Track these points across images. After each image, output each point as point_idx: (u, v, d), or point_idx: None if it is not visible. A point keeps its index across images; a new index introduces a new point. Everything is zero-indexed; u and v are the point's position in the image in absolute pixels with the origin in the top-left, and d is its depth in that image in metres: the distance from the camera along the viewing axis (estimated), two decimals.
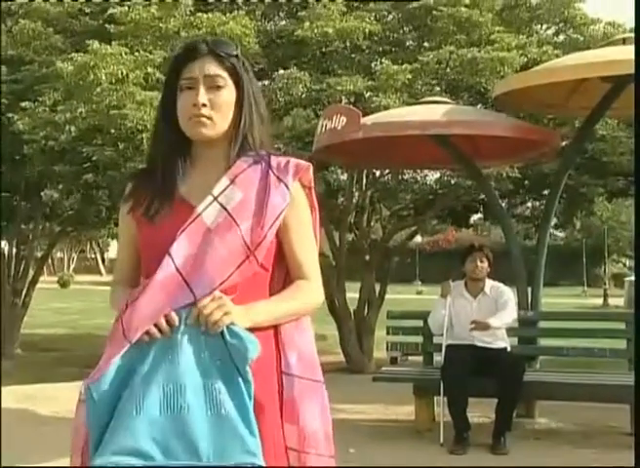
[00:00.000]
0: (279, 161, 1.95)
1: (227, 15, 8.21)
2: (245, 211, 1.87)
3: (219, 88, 1.91)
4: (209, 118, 1.90)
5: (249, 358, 1.77)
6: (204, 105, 1.89)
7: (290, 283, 1.98)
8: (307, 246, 1.99)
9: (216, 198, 1.87)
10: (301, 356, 1.94)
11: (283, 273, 1.99)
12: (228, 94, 1.92)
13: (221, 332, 1.77)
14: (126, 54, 7.64)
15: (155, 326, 1.76)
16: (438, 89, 8.33)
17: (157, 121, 2.06)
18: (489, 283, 5.90)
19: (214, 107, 1.90)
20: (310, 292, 1.98)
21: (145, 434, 1.69)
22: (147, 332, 1.76)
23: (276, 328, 1.92)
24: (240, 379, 1.76)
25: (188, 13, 8.22)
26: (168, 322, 1.77)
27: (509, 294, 5.83)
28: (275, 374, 1.90)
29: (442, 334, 5.78)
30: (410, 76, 7.95)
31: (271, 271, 1.95)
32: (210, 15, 8.17)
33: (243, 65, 1.96)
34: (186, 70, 1.91)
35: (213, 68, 1.91)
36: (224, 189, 1.89)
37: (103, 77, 7.49)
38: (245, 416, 1.74)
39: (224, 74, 1.92)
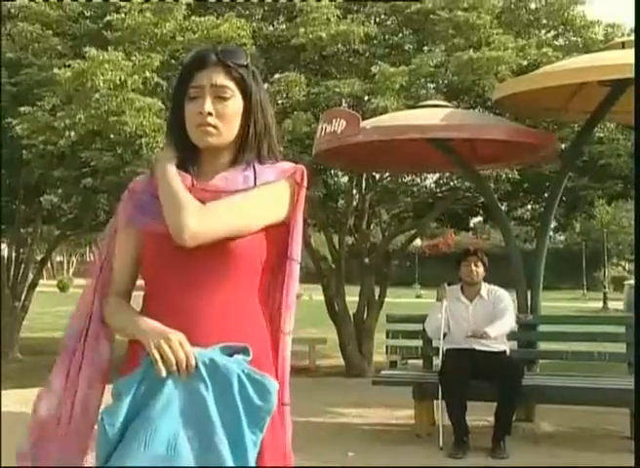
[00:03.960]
0: (270, 166, 1.96)
1: (222, 18, 8.22)
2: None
3: (225, 99, 1.90)
4: (215, 127, 1.90)
5: (271, 410, 1.76)
6: (210, 114, 1.88)
7: None
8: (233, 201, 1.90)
9: None
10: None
11: (274, 283, 1.99)
12: (235, 104, 1.92)
13: (237, 381, 1.73)
14: (123, 59, 7.65)
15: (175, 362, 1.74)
16: (436, 91, 8.33)
17: (167, 129, 2.07)
18: (485, 287, 5.90)
19: (220, 117, 1.90)
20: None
21: None
22: (163, 361, 1.73)
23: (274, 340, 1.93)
24: (246, 435, 1.73)
25: (183, 17, 8.23)
26: (187, 362, 1.74)
27: (508, 300, 5.81)
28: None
29: (439, 338, 5.78)
30: (407, 78, 7.95)
31: (262, 279, 1.94)
32: (204, 18, 8.18)
33: (252, 75, 1.95)
34: (194, 79, 1.91)
35: (220, 79, 1.90)
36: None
37: (101, 84, 7.50)
38: None
39: (232, 84, 1.91)
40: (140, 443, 1.70)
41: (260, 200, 1.90)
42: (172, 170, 1.89)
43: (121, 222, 2.00)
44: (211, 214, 1.83)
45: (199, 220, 1.80)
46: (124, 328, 1.92)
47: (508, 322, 5.68)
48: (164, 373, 1.73)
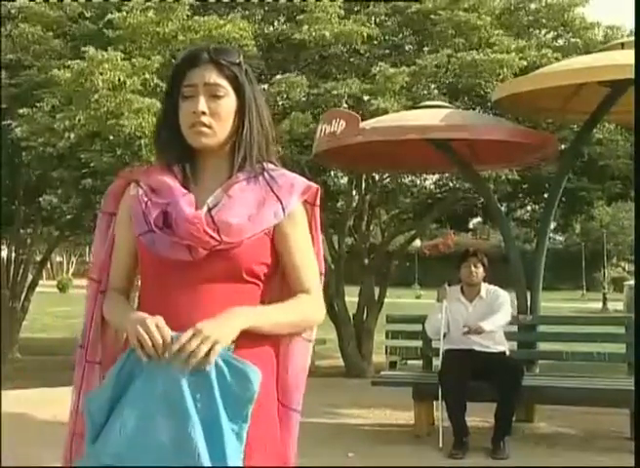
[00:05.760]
0: (284, 181, 1.94)
1: (224, 18, 8.22)
2: (234, 211, 1.87)
3: (219, 97, 1.89)
4: (209, 127, 1.88)
5: (252, 397, 1.74)
6: (203, 113, 1.87)
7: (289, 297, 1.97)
8: (308, 261, 1.97)
9: (210, 209, 1.87)
10: (284, 382, 1.96)
11: (276, 291, 1.99)
12: (229, 102, 1.91)
13: (214, 367, 1.73)
14: (122, 59, 7.65)
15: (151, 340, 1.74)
16: (437, 92, 8.34)
17: (159, 129, 2.02)
18: (485, 287, 5.90)
19: (213, 116, 1.89)
20: (311, 305, 1.96)
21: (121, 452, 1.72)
22: (142, 346, 1.74)
23: (275, 346, 1.94)
24: (231, 427, 1.72)
25: (185, 17, 8.23)
26: (164, 343, 1.74)
27: (505, 297, 5.81)
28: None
29: (439, 339, 5.78)
30: (408, 79, 7.96)
31: (263, 287, 1.95)
32: (207, 18, 8.18)
33: (246, 73, 1.94)
34: (187, 78, 1.90)
35: (213, 77, 1.89)
36: (219, 200, 1.89)
37: (100, 84, 7.50)
38: None
39: (225, 83, 1.90)
40: (117, 427, 1.73)
41: (311, 252, 2.00)
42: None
43: (120, 222, 1.99)
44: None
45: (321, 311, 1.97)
46: (118, 324, 1.93)
47: (502, 316, 5.67)
48: (145, 359, 1.74)
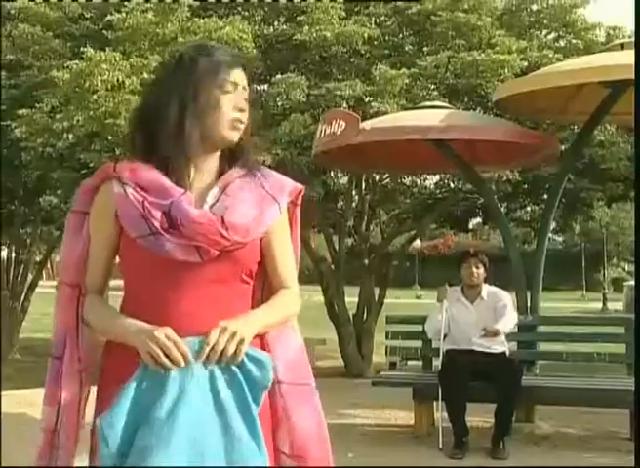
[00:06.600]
0: (274, 181, 1.99)
1: (224, 19, 8.21)
2: (239, 212, 1.89)
3: (246, 100, 1.96)
4: (243, 125, 1.95)
5: (268, 384, 1.81)
6: (242, 111, 1.94)
7: (270, 293, 2.02)
8: (290, 258, 2.05)
9: (211, 207, 1.88)
10: (287, 363, 1.97)
11: (260, 286, 2.03)
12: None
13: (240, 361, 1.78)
14: (120, 60, 7.65)
15: (166, 356, 1.72)
16: (437, 93, 8.33)
17: (159, 122, 1.90)
18: (486, 288, 5.90)
19: (244, 116, 1.96)
20: (293, 300, 2.03)
21: None
22: (156, 361, 1.72)
23: (262, 340, 1.95)
24: (253, 409, 1.77)
25: (185, 18, 8.22)
26: (182, 354, 1.73)
27: (507, 299, 5.83)
28: None
29: (439, 339, 5.78)
30: (408, 80, 7.96)
31: (252, 286, 1.99)
32: (207, 20, 8.18)
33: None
34: (230, 75, 1.92)
35: (246, 82, 1.98)
36: (217, 199, 1.89)
37: (99, 84, 7.49)
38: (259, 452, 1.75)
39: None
40: (161, 445, 1.67)
41: (291, 248, 2.06)
42: None
43: (98, 220, 1.93)
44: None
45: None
46: (107, 330, 1.89)
47: (512, 318, 5.73)
48: (162, 371, 1.73)
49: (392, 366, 6.58)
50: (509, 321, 5.68)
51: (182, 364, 1.72)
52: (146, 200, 1.83)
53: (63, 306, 1.97)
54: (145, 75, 7.69)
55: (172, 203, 1.83)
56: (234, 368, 1.77)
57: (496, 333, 5.55)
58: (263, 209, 1.92)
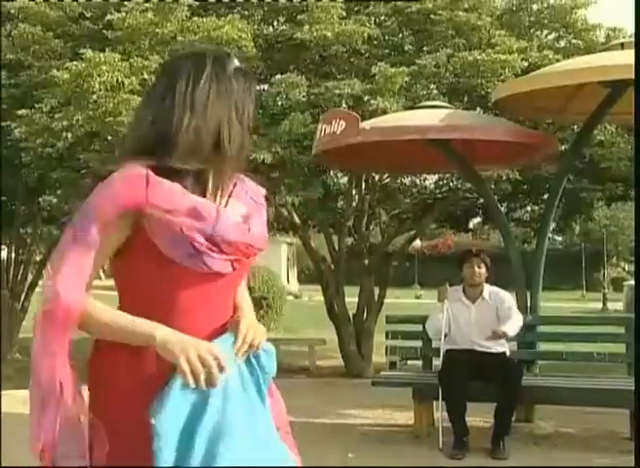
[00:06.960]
0: (252, 186, 2.02)
1: (224, 19, 8.22)
2: (253, 221, 1.92)
3: None
4: None
5: (274, 371, 1.96)
6: None
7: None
8: None
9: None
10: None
11: None
12: None
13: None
14: (120, 60, 7.65)
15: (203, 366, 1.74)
16: (437, 92, 8.34)
17: (183, 133, 1.82)
18: (487, 288, 5.89)
19: None
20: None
21: None
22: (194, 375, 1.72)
23: None
24: (265, 394, 1.92)
25: (184, 18, 8.23)
26: (220, 368, 1.75)
27: (511, 300, 5.84)
28: None
29: (440, 339, 5.78)
30: (408, 79, 7.96)
31: None
32: (206, 19, 8.18)
33: None
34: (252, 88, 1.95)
35: None
36: (227, 203, 1.90)
37: (98, 85, 7.50)
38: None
39: None
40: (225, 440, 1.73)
41: None
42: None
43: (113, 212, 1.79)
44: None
45: None
46: (122, 332, 1.79)
47: (518, 320, 5.71)
48: (192, 386, 1.72)
49: (392, 365, 6.58)
50: (516, 323, 5.65)
51: (218, 386, 1.74)
52: (184, 223, 1.77)
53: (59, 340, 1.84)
54: (145, 75, 7.70)
55: (214, 223, 1.79)
56: (252, 358, 1.89)
57: (502, 336, 5.54)
58: (262, 215, 1.97)
